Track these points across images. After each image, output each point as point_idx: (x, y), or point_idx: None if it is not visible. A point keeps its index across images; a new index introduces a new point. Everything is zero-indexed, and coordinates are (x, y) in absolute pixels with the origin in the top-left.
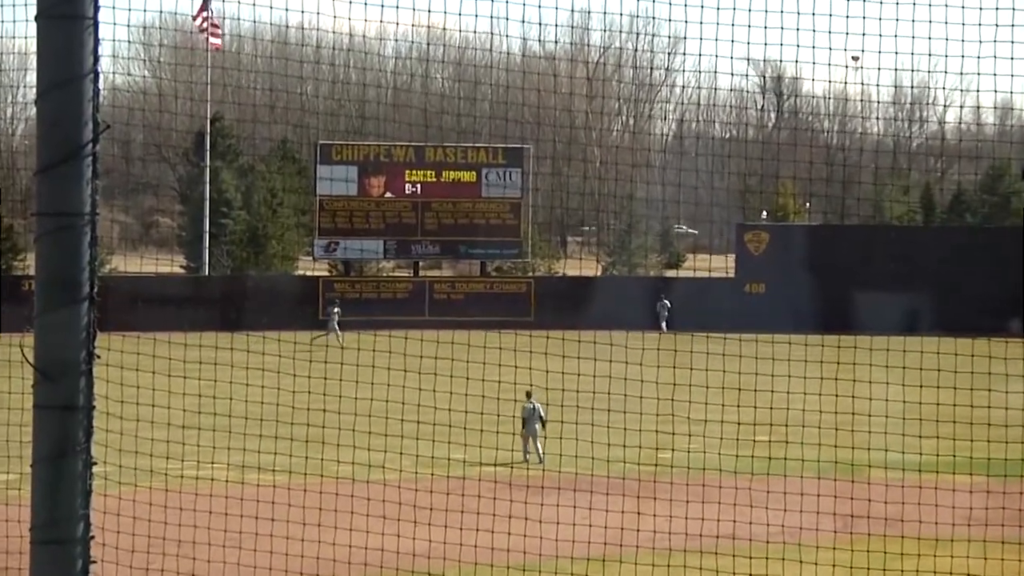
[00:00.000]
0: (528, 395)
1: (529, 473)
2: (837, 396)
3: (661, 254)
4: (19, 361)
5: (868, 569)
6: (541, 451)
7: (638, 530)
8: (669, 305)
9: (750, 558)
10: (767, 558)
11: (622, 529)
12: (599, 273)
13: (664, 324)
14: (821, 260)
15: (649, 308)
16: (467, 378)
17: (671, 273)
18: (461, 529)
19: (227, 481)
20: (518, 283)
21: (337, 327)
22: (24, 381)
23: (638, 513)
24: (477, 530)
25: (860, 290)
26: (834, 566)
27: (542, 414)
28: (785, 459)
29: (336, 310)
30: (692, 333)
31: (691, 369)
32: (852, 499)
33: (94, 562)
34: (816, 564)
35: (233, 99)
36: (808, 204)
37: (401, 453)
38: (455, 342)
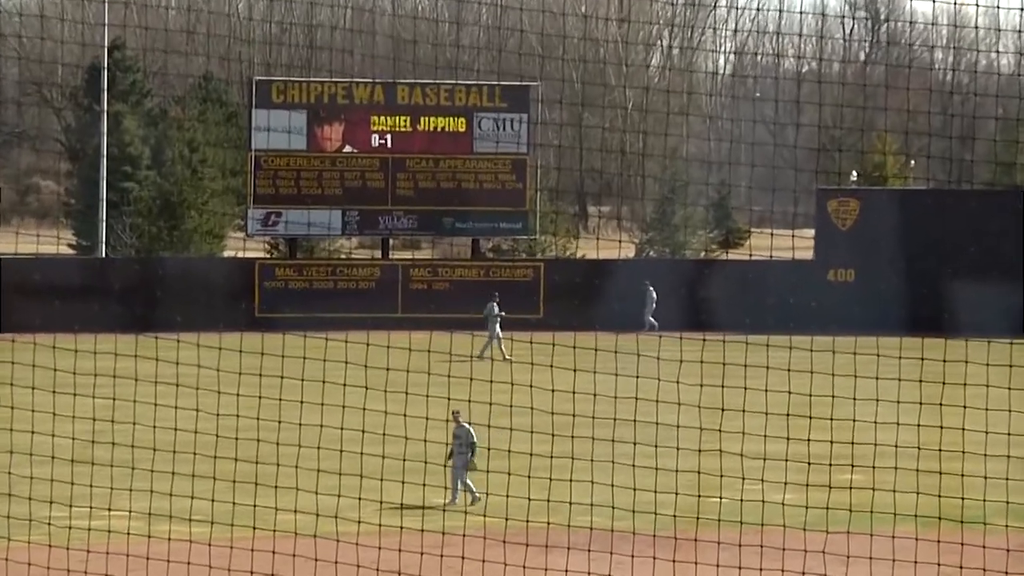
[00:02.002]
0: (455, 415)
1: (530, 526)
2: (942, 428)
3: (715, 230)
4: None
5: None
6: (469, 487)
7: None
8: (655, 296)
9: None
10: None
11: None
12: (632, 255)
13: (650, 320)
14: (930, 236)
15: (692, 303)
16: (448, 398)
17: (729, 255)
18: None
19: (129, 534)
20: (522, 268)
21: (499, 331)
22: None
23: None
24: None
25: (982, 279)
26: None
27: (473, 439)
28: (871, 511)
29: (496, 307)
30: (747, 336)
31: (745, 388)
32: (962, 567)
33: None
34: None
35: (139, 21)
36: (912, 163)
37: (360, 499)
38: (435, 349)
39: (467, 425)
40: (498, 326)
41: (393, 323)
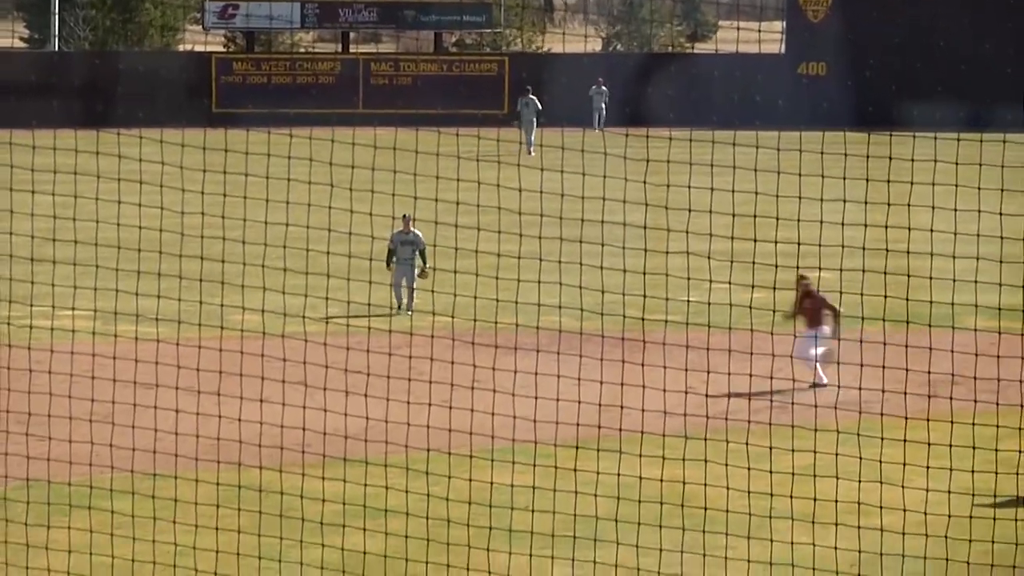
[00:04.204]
0: (405, 219)
1: (498, 327)
2: (911, 229)
3: (682, 23)
4: None
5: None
6: (410, 301)
7: (643, 409)
8: (607, 92)
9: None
10: (818, 432)
11: (621, 407)
12: (598, 49)
13: (599, 119)
14: (911, 25)
15: (666, 97)
16: (415, 197)
17: (698, 48)
18: (408, 403)
19: (93, 334)
20: (487, 63)
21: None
22: None
23: (641, 386)
24: (429, 404)
25: (972, 66)
26: (906, 445)
27: (423, 248)
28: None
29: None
30: (713, 132)
31: (712, 189)
32: (930, 371)
33: None
34: (882, 447)
35: None
36: None
37: (327, 298)
38: (399, 147)
39: (417, 231)
40: (535, 118)
41: (354, 119)
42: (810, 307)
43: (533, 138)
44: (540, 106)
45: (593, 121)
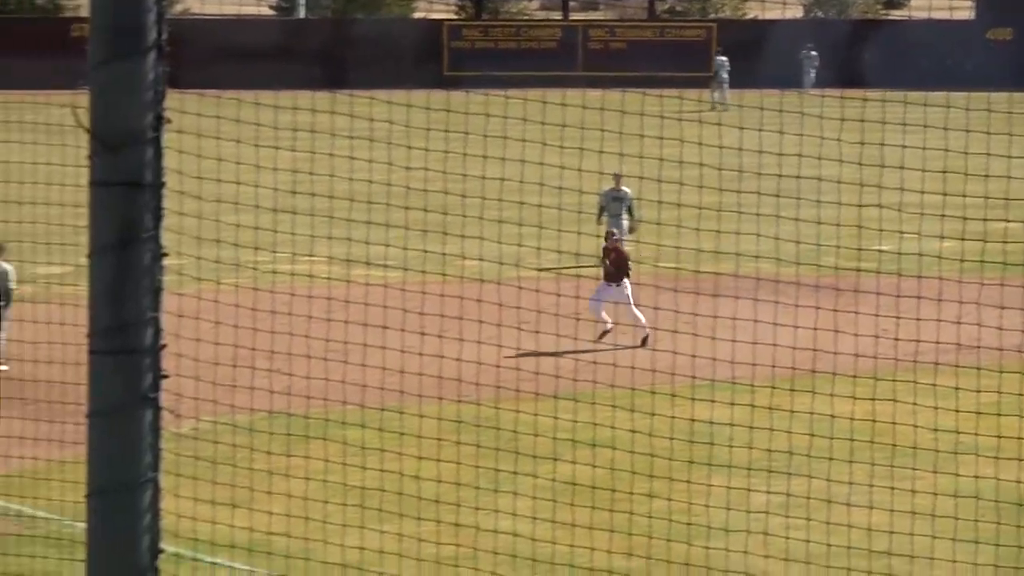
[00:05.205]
0: (616, 177)
1: (699, 275)
2: None
3: None
4: (71, 126)
5: None
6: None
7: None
8: (816, 56)
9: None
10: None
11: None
12: (800, 16)
13: (809, 80)
14: None
15: (862, 61)
16: (621, 154)
17: (893, 15)
18: (615, 345)
19: (328, 279)
20: (695, 28)
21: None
22: (79, 151)
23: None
24: (634, 346)
25: None
26: None
27: (631, 204)
28: None
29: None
30: (906, 93)
31: (904, 147)
32: None
33: (166, 376)
34: None
35: None
36: None
37: (539, 248)
38: (606, 107)
39: (626, 188)
40: (725, 74)
41: (572, 81)
42: (614, 261)
43: (727, 96)
44: (730, 67)
45: (803, 82)
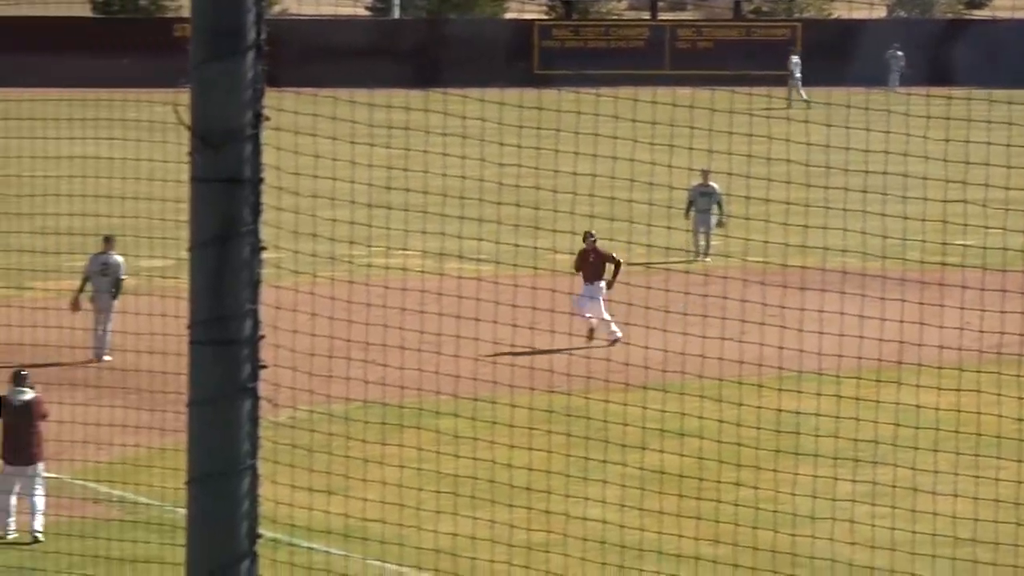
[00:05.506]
0: (704, 173)
1: (786, 269)
2: None
3: None
4: (173, 124)
5: None
6: (707, 246)
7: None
8: (903, 56)
9: None
10: None
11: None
12: (883, 16)
13: (894, 79)
14: None
15: (946, 60)
16: (710, 151)
17: (976, 15)
18: (703, 337)
19: (423, 272)
20: (780, 28)
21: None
22: (180, 148)
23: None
24: (723, 338)
25: None
26: None
27: (719, 200)
28: None
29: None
30: (991, 90)
31: (988, 144)
32: None
33: (264, 366)
34: None
35: None
36: None
37: (630, 242)
38: (695, 105)
39: (714, 184)
40: (799, 73)
41: (660, 80)
42: (593, 261)
43: (803, 93)
44: (802, 66)
45: (889, 81)
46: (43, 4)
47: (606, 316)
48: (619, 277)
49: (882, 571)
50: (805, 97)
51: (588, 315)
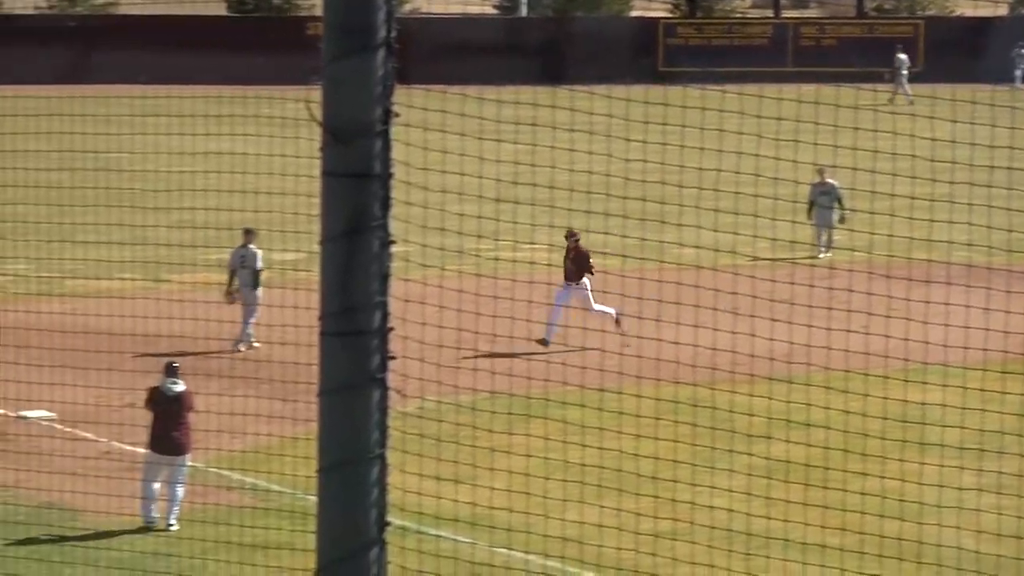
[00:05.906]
0: (820, 172)
1: (911, 263)
2: None
3: None
4: (305, 120)
5: None
6: (830, 241)
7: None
8: None
9: None
10: None
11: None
12: (1005, 13)
13: (1021, 76)
14: None
15: None
16: (835, 146)
17: None
18: (828, 329)
19: (549, 265)
20: (904, 26)
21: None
22: (312, 143)
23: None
24: (848, 330)
25: None
26: None
27: (839, 196)
28: None
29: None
30: None
31: None
32: None
33: (393, 357)
34: None
35: None
36: None
37: (755, 236)
38: (820, 101)
39: (832, 181)
40: (905, 71)
41: (783, 77)
42: (574, 259)
43: (908, 89)
44: (910, 62)
45: (1015, 79)
46: (178, 3)
47: (596, 308)
48: (592, 281)
49: (1008, 560)
50: (910, 94)
51: (557, 319)
